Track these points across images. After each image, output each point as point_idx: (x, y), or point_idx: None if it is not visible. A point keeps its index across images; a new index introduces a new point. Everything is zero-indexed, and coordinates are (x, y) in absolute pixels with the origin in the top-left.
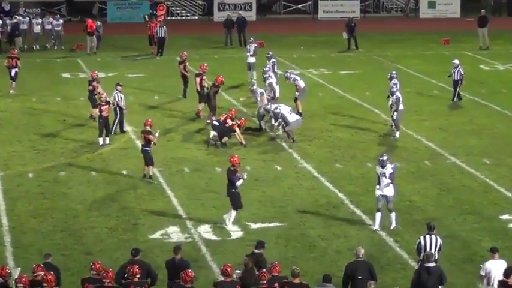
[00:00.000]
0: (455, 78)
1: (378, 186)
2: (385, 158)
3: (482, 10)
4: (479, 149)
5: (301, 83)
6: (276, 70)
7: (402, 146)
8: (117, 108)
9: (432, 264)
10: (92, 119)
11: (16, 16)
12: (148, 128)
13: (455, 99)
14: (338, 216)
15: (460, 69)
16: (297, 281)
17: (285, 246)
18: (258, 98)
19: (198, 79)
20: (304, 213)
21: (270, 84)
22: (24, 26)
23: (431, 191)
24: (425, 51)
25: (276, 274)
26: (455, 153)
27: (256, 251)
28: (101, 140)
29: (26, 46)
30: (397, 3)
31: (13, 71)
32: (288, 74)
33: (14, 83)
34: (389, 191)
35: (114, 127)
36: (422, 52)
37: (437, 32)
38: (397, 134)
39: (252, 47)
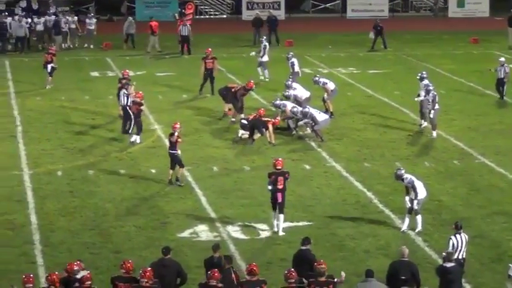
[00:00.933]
0: (500, 76)
1: (407, 198)
2: (400, 172)
3: None
4: (508, 148)
5: (331, 86)
6: (296, 70)
7: (431, 145)
8: (128, 108)
9: (451, 264)
10: (121, 117)
11: (57, 14)
12: (177, 131)
13: (503, 97)
14: (367, 215)
15: (506, 67)
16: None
17: (313, 245)
18: (283, 109)
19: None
20: (332, 212)
21: (295, 96)
22: (49, 25)
23: (460, 190)
24: (454, 51)
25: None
26: (484, 153)
27: (303, 247)
28: (132, 138)
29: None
30: (426, 2)
31: (49, 67)
32: (317, 79)
33: (49, 78)
34: (421, 195)
35: (131, 127)
36: (451, 51)
37: (466, 31)
38: (434, 133)
39: (262, 45)
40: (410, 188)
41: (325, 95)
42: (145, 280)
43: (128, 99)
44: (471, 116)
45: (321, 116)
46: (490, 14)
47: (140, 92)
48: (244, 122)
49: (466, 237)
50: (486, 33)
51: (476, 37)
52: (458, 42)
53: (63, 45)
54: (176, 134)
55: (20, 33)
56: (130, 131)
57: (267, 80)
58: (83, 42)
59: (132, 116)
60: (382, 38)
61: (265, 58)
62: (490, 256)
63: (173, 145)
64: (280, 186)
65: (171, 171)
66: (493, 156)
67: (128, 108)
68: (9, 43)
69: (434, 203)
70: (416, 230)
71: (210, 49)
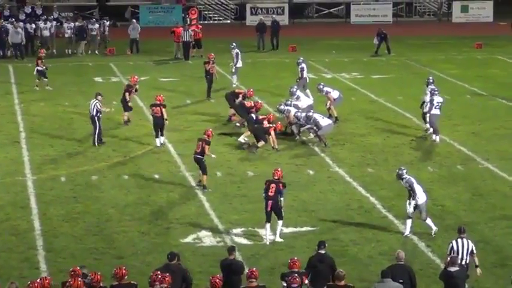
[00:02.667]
0: None
1: (408, 201)
2: (401, 171)
3: None
4: (511, 153)
5: (335, 94)
6: (305, 76)
7: (434, 150)
8: (96, 118)
9: (455, 268)
10: (126, 123)
11: (59, 20)
12: (206, 137)
13: None
14: (370, 220)
15: None
16: (342, 283)
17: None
18: (287, 115)
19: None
20: (336, 217)
21: (296, 106)
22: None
23: (464, 195)
24: (458, 56)
25: (297, 269)
26: (488, 158)
27: (322, 251)
28: (157, 141)
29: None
30: (430, 7)
31: (35, 70)
32: (321, 87)
33: (36, 81)
34: (421, 199)
35: (96, 138)
36: (455, 56)
37: (470, 36)
38: (437, 138)
39: (234, 52)
40: (409, 189)
41: (328, 103)
42: (165, 285)
43: (96, 109)
44: (475, 121)
45: (324, 121)
46: (494, 18)
47: (161, 95)
48: (253, 116)
49: (471, 243)
50: (490, 38)
51: (480, 42)
52: (462, 47)
53: (66, 51)
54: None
55: (16, 39)
56: (95, 142)
57: (235, 85)
58: (87, 48)
59: (98, 125)
60: (386, 44)
61: (239, 64)
62: (493, 261)
63: (202, 151)
64: (271, 194)
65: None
66: (496, 161)
67: (96, 118)
68: (10, 49)
69: (438, 208)
70: (433, 233)
71: (212, 54)
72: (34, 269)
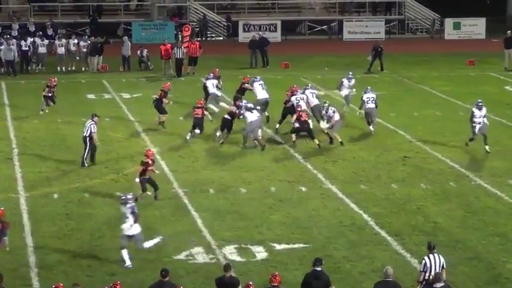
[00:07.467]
0: None
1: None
2: (126, 197)
3: (509, 31)
4: (504, 170)
5: (313, 101)
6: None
7: (427, 167)
8: (88, 139)
9: (440, 284)
10: (161, 124)
11: (53, 37)
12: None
13: None
14: (363, 237)
15: None
16: None
17: (309, 267)
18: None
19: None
20: (328, 234)
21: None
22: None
23: (456, 212)
24: (450, 73)
25: (277, 284)
26: (481, 175)
27: (318, 269)
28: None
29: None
30: (422, 24)
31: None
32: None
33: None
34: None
35: (85, 157)
36: (447, 73)
37: (462, 53)
38: (371, 127)
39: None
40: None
41: (306, 105)
42: None
43: (90, 130)
44: (467, 138)
45: (251, 116)
46: (486, 36)
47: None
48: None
49: (442, 258)
50: (482, 55)
51: (473, 59)
52: (455, 64)
53: (58, 68)
54: None
55: (9, 56)
56: (84, 163)
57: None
58: (79, 65)
59: (90, 147)
60: (380, 61)
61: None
62: (486, 278)
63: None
64: None
65: None
66: (489, 178)
67: (88, 139)
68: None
69: (431, 225)
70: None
71: (217, 69)
72: (27, 286)
